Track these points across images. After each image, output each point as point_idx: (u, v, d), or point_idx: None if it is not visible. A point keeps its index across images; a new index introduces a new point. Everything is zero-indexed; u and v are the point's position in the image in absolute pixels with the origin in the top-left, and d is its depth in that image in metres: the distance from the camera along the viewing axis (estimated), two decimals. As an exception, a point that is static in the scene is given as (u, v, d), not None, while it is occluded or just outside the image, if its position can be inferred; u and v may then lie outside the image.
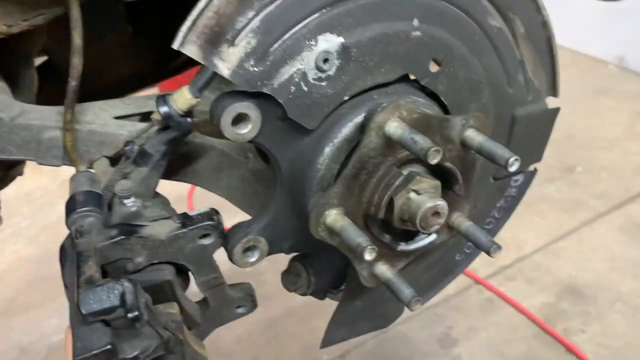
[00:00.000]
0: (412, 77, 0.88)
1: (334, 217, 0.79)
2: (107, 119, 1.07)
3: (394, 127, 0.77)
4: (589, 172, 3.41)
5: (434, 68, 0.87)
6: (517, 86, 0.98)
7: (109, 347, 0.77)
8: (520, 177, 1.09)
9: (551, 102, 1.05)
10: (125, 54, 1.30)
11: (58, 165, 1.04)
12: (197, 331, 1.04)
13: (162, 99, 0.92)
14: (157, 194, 1.04)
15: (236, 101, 0.78)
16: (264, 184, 1.08)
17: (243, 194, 1.12)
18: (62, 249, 0.89)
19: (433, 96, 0.90)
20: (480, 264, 3.06)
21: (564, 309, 2.69)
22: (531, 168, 1.10)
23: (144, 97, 1.17)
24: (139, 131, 1.01)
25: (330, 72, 0.80)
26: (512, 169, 0.80)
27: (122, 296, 0.78)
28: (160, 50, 1.35)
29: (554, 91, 1.02)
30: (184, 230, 0.88)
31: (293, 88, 0.78)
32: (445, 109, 0.92)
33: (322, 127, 0.83)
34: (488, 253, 0.87)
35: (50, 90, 1.12)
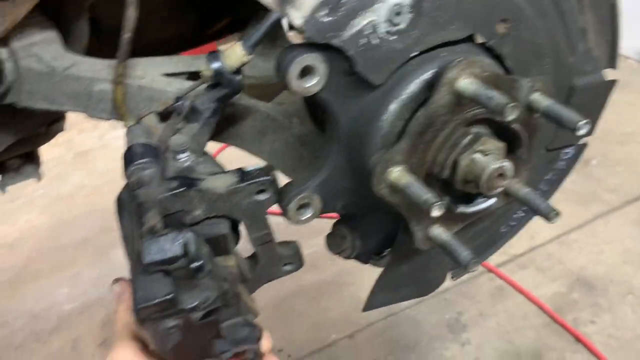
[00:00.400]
0: (478, 38, 0.87)
1: (398, 173, 0.78)
2: (156, 76, 1.06)
3: (468, 82, 0.75)
4: (604, 165, 3.40)
5: (500, 30, 0.86)
6: (578, 55, 0.97)
7: (170, 296, 0.76)
8: (570, 150, 1.07)
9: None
10: (170, 14, 1.28)
11: (106, 119, 1.03)
12: (246, 287, 1.03)
13: (213, 55, 0.91)
14: (205, 152, 1.03)
15: (305, 52, 0.77)
16: (309, 148, 1.07)
17: (287, 158, 1.11)
18: (119, 200, 0.88)
19: (496, 58, 0.89)
20: (493, 252, 3.06)
21: (574, 300, 2.70)
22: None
23: (191, 57, 1.16)
24: (188, 88, 0.99)
25: (402, 26, 0.78)
26: (581, 132, 0.78)
27: (185, 246, 0.77)
28: (202, 14, 1.34)
29: (612, 62, 1.01)
30: (242, 184, 0.87)
31: (363, 40, 0.77)
32: (507, 73, 0.90)
33: (388, 83, 0.82)
34: (547, 218, 0.86)
35: (90, 44, 1.11)
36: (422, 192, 0.75)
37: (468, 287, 2.93)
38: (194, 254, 0.76)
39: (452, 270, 1.08)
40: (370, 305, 1.07)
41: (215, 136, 1.07)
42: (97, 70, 0.98)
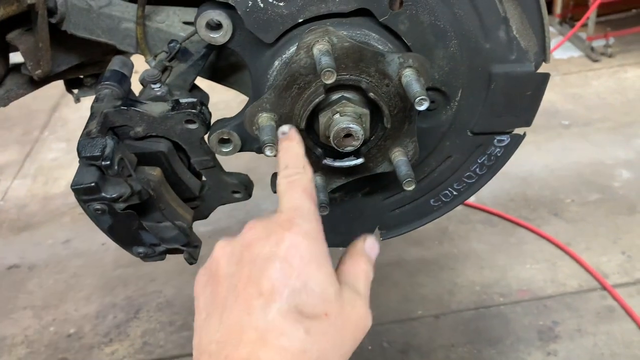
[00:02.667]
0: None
1: (262, 118, 0.93)
2: (175, 22, 1.32)
3: (318, 48, 0.88)
4: None
5: (396, 7, 0.94)
6: (496, 42, 0.99)
7: (92, 184, 1.03)
8: (505, 138, 1.09)
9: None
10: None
11: (133, 52, 1.32)
12: (202, 204, 1.26)
13: None
14: (196, 88, 1.26)
15: (211, 8, 0.96)
16: None
17: None
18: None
19: (395, 36, 0.97)
20: (615, 270, 2.83)
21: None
22: (520, 132, 1.10)
23: None
24: (189, 33, 1.23)
25: (288, -5, 0.93)
26: (420, 108, 0.85)
27: (104, 149, 1.02)
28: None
29: (544, 56, 1.00)
30: (172, 112, 1.09)
31: (250, 3, 0.94)
32: (408, 50, 0.98)
33: (278, 44, 0.97)
34: (402, 183, 0.94)
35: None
36: (264, 134, 0.90)
37: (574, 299, 2.78)
38: (106, 155, 1.01)
39: (380, 232, 1.18)
40: None
41: (221, 80, 1.31)
42: (126, 11, 1.27)
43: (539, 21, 0.97)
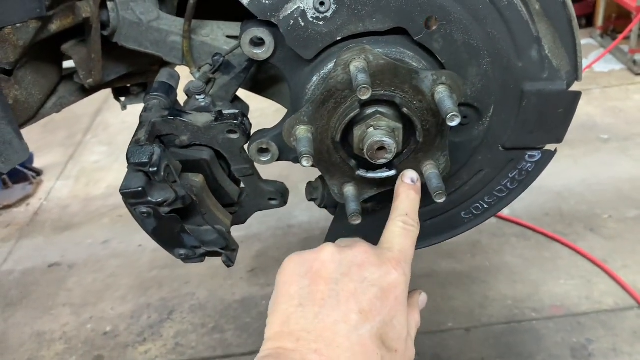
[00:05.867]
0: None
1: (300, 130, 0.98)
2: (219, 36, 1.38)
3: (354, 65, 0.92)
4: None
5: (432, 27, 0.98)
6: (529, 61, 1.01)
7: (140, 189, 1.09)
8: (536, 154, 1.11)
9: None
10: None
11: (179, 64, 1.39)
12: (240, 210, 1.31)
13: None
14: (237, 99, 1.32)
15: (255, 26, 1.01)
16: None
17: None
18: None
19: (429, 53, 1.01)
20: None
21: None
22: (552, 148, 1.11)
23: None
24: (232, 47, 1.29)
25: (327, 14, 0.98)
26: (451, 124, 0.88)
27: (151, 156, 1.08)
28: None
29: (576, 74, 1.02)
30: (215, 123, 1.15)
31: (292, 22, 0.99)
32: (442, 67, 1.01)
33: (317, 60, 1.02)
34: (432, 196, 0.97)
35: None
36: (301, 145, 0.94)
37: (609, 317, 2.74)
38: (154, 162, 1.07)
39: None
40: None
41: (261, 91, 1.36)
42: (173, 25, 1.34)
43: (572, 40, 1.00)
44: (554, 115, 1.05)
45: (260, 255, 3.22)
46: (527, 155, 1.11)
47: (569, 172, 3.56)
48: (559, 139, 1.08)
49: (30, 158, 4.26)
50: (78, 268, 3.42)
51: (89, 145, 4.74)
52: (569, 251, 3.06)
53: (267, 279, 3.08)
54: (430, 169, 1.00)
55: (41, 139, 4.71)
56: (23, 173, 4.12)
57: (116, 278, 3.31)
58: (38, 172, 4.30)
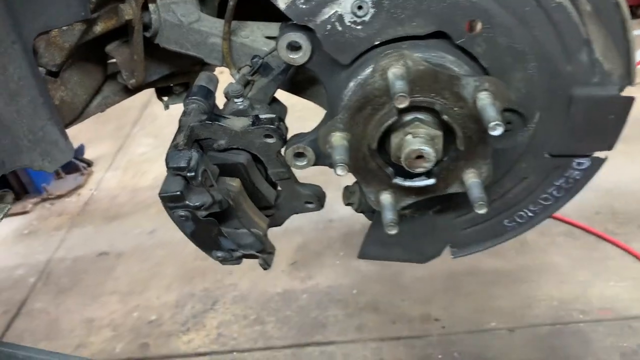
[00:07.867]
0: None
1: (335, 137, 0.96)
2: (259, 37, 1.37)
3: (392, 72, 0.89)
4: None
5: (475, 30, 0.94)
6: (578, 65, 0.96)
7: (178, 193, 1.10)
8: (585, 161, 1.06)
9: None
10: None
11: (219, 65, 1.39)
12: (276, 213, 1.31)
13: None
14: (275, 101, 1.31)
15: (292, 31, 1.00)
16: None
17: None
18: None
19: (472, 57, 0.97)
20: None
21: None
22: (602, 156, 1.06)
23: None
24: (270, 49, 1.28)
25: (365, 18, 0.95)
26: (494, 133, 0.85)
27: (189, 161, 1.09)
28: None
29: (629, 79, 0.97)
30: (252, 127, 1.14)
31: (329, 26, 0.97)
32: (485, 72, 0.98)
33: (354, 65, 1.00)
34: (473, 206, 0.94)
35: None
36: (338, 154, 0.92)
37: (665, 321, 2.63)
38: (192, 167, 1.08)
39: (452, 249, 1.18)
40: (362, 253, 1.25)
41: (299, 92, 1.35)
42: (213, 27, 1.34)
43: (625, 43, 0.94)
44: (604, 121, 1.00)
45: (301, 248, 3.23)
46: (575, 163, 1.06)
47: (622, 169, 3.42)
48: (610, 146, 1.03)
49: (82, 149, 4.39)
50: (125, 257, 3.51)
51: (137, 137, 4.84)
52: (620, 251, 2.95)
53: (307, 272, 3.08)
54: (472, 177, 0.97)
55: (92, 131, 4.83)
56: (75, 164, 4.25)
57: (161, 267, 3.37)
58: (89, 163, 4.42)
